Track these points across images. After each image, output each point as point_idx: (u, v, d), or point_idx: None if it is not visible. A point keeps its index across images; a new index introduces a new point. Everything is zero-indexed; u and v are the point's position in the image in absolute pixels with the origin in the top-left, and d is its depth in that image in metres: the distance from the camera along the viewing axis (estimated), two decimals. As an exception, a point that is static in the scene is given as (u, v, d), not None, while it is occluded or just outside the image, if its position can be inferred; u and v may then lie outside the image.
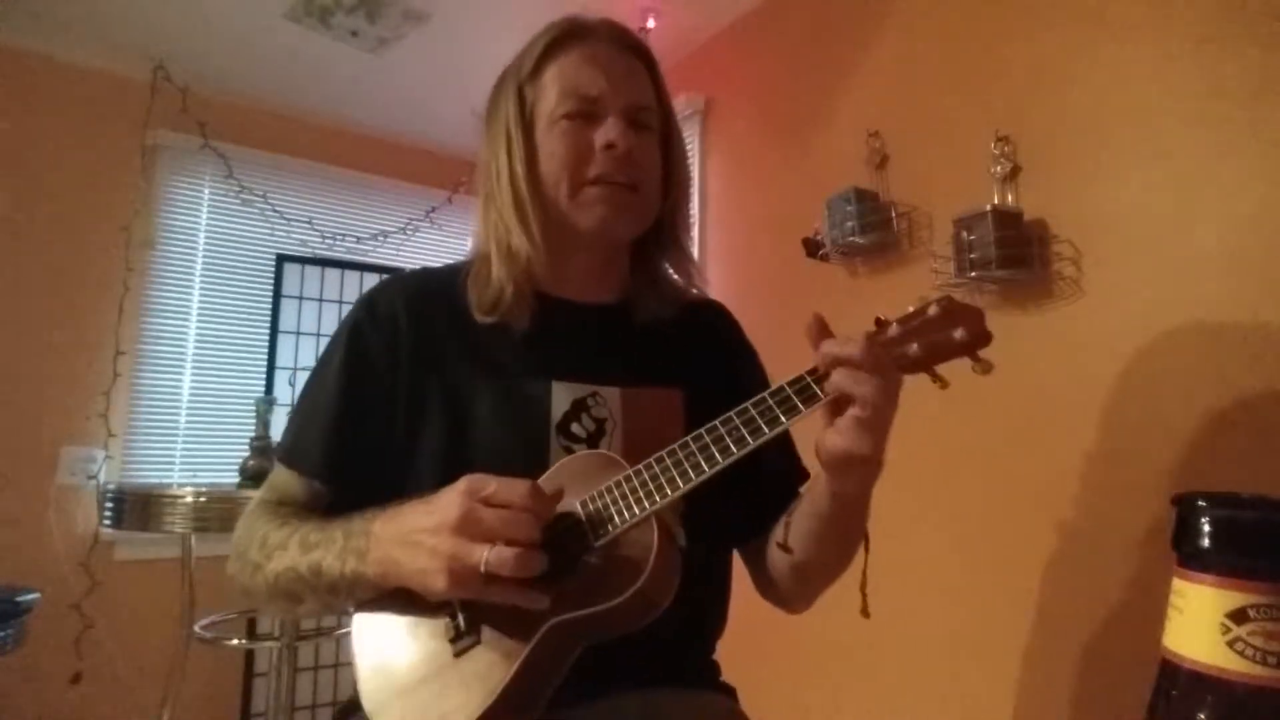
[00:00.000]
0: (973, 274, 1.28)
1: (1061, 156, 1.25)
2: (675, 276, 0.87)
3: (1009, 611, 1.27)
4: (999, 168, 1.31)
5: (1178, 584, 0.47)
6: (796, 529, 0.74)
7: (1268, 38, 1.03)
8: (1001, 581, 1.29)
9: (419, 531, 0.61)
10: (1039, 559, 1.23)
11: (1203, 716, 0.44)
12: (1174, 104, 1.12)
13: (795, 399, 0.61)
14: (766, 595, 0.85)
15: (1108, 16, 1.21)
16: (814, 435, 0.61)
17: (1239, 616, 0.43)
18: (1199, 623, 0.45)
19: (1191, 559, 0.47)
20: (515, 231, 0.76)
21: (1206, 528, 0.47)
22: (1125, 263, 1.16)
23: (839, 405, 0.58)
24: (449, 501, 0.60)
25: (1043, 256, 1.25)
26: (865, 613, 0.70)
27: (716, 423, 0.63)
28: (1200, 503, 0.48)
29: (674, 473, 0.62)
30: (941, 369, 0.60)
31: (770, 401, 0.61)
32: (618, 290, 0.85)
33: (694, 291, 0.89)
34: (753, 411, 0.62)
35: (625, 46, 0.80)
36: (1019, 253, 1.24)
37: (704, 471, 0.61)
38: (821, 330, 0.61)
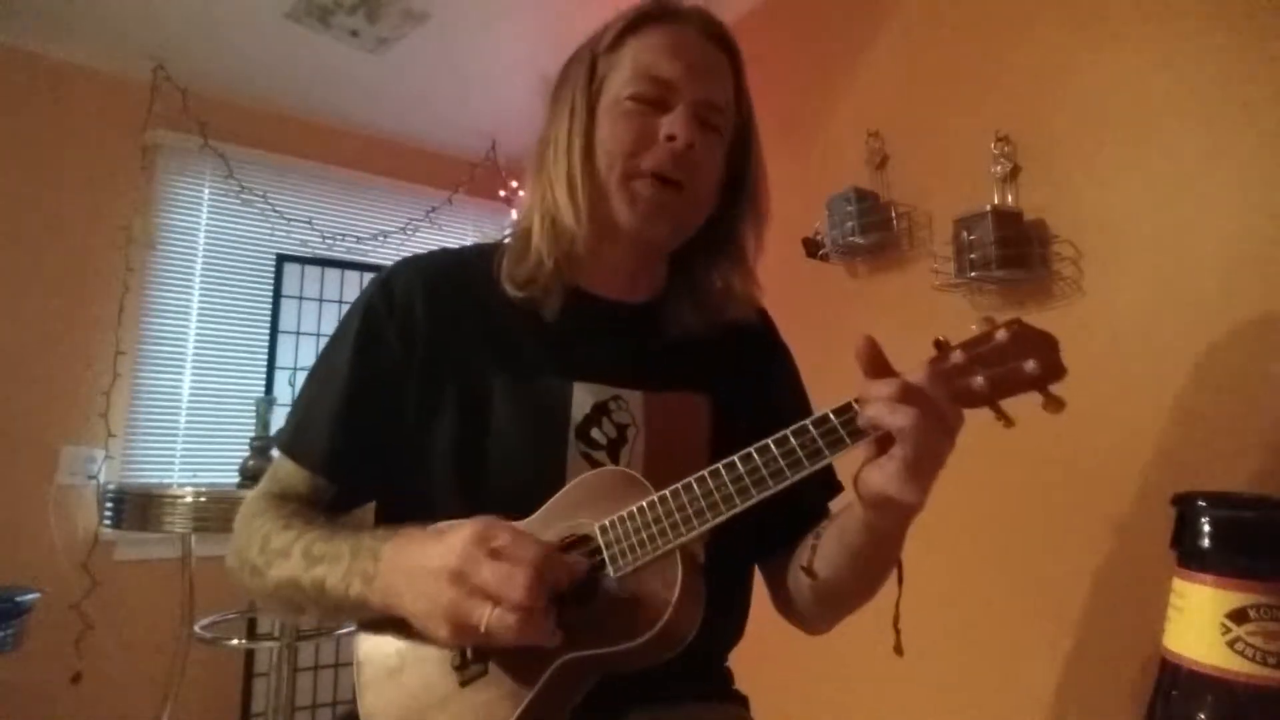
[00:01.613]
0: (973, 274, 1.28)
1: (1061, 156, 1.25)
2: (725, 289, 0.80)
3: (1009, 612, 1.27)
4: (999, 168, 1.31)
5: (1178, 584, 0.47)
6: (823, 554, 0.69)
7: (1267, 37, 1.03)
8: (1001, 582, 1.29)
9: (423, 571, 0.57)
10: (1038, 559, 1.23)
11: (1203, 716, 0.44)
12: (1174, 104, 1.12)
13: (841, 431, 0.55)
14: (785, 614, 0.81)
15: (1107, 17, 1.21)
16: (854, 456, 0.57)
17: (1239, 616, 0.43)
18: (1199, 623, 0.45)
19: (1191, 559, 0.47)
20: (564, 208, 0.71)
21: (1206, 528, 0.47)
22: (1125, 263, 1.16)
23: (887, 440, 0.53)
24: (452, 545, 0.56)
25: (1043, 256, 1.25)
26: (898, 650, 0.64)
27: (752, 451, 0.58)
28: (1200, 503, 0.48)
29: (703, 504, 0.58)
30: (1005, 403, 0.53)
31: (814, 433, 0.56)
32: (651, 290, 0.80)
33: (750, 308, 0.82)
34: (793, 442, 0.56)
35: (713, 38, 0.74)
36: (1019, 253, 1.24)
37: (735, 505, 0.57)
38: (872, 355, 0.55)
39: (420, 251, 0.81)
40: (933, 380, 0.53)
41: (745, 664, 0.84)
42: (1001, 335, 0.53)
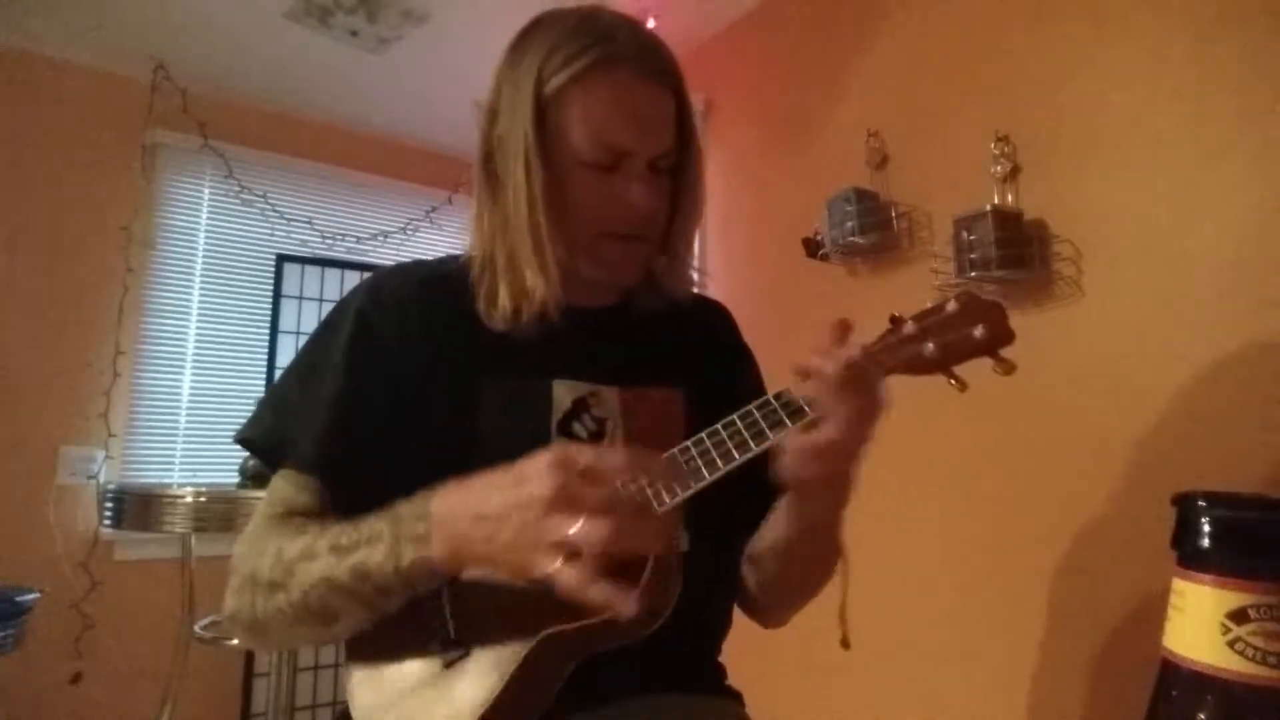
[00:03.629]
0: (973, 274, 1.28)
1: (1061, 156, 1.25)
2: (676, 272, 0.83)
3: (1009, 612, 1.27)
4: (999, 168, 1.31)
5: (1178, 584, 0.47)
6: (763, 544, 0.72)
7: (1266, 37, 1.03)
8: (1002, 582, 1.29)
9: (505, 507, 0.54)
10: (1039, 559, 1.23)
11: (1203, 716, 0.44)
12: (1173, 104, 1.12)
13: (782, 413, 0.59)
14: (741, 606, 0.83)
15: (1107, 16, 1.21)
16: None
17: (1239, 616, 0.43)
18: (1199, 623, 0.45)
19: (1191, 559, 0.47)
20: (531, 268, 0.71)
21: (1206, 528, 0.47)
22: (1125, 263, 1.16)
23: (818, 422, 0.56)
24: (538, 473, 0.54)
25: (1043, 256, 1.25)
26: (845, 644, 0.68)
27: (703, 435, 0.61)
28: (1200, 503, 0.48)
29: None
30: (961, 369, 0.57)
31: (756, 415, 0.60)
32: (616, 293, 0.83)
33: (691, 287, 0.86)
34: (739, 424, 0.60)
35: (656, 79, 0.72)
36: (1019, 253, 1.24)
37: (689, 487, 0.60)
38: (840, 335, 0.58)
39: (405, 260, 0.82)
40: (844, 364, 0.55)
41: (738, 661, 0.84)
42: (951, 306, 0.57)
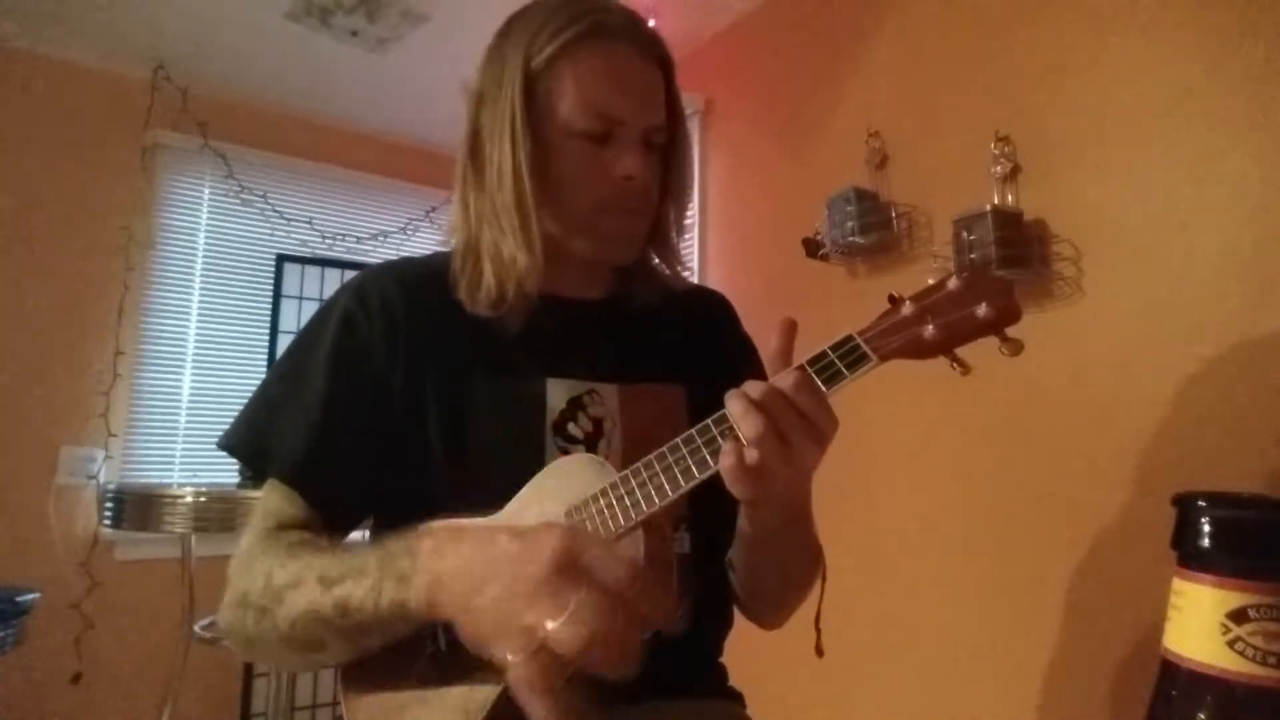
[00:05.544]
0: (973, 274, 1.28)
1: (1061, 156, 1.25)
2: (668, 265, 0.82)
3: (1010, 613, 1.27)
4: (999, 168, 1.31)
5: (1178, 584, 0.47)
6: (735, 549, 0.71)
7: (1267, 36, 1.03)
8: (1002, 582, 1.29)
9: (497, 567, 0.50)
10: (1039, 559, 1.23)
11: (1203, 716, 0.43)
12: (1174, 103, 1.12)
13: (714, 430, 0.57)
14: (737, 607, 0.82)
15: (1108, 15, 1.21)
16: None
17: (1239, 616, 0.43)
18: (1199, 623, 0.45)
19: (1191, 559, 0.47)
20: (514, 241, 0.69)
21: (1206, 528, 0.47)
22: (1125, 263, 1.16)
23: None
24: (543, 547, 0.49)
25: (1043, 256, 1.25)
26: (818, 651, 0.67)
27: (694, 432, 0.59)
28: (1200, 503, 0.48)
29: (663, 479, 0.58)
30: (965, 352, 0.54)
31: (714, 431, 0.57)
32: (608, 285, 0.81)
33: (685, 280, 0.84)
34: (714, 430, 0.57)
35: (646, 52, 0.72)
36: (1019, 253, 1.24)
37: (667, 495, 0.57)
38: (786, 336, 0.57)
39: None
40: (799, 389, 0.53)
41: (739, 662, 0.84)
42: (953, 284, 0.54)
